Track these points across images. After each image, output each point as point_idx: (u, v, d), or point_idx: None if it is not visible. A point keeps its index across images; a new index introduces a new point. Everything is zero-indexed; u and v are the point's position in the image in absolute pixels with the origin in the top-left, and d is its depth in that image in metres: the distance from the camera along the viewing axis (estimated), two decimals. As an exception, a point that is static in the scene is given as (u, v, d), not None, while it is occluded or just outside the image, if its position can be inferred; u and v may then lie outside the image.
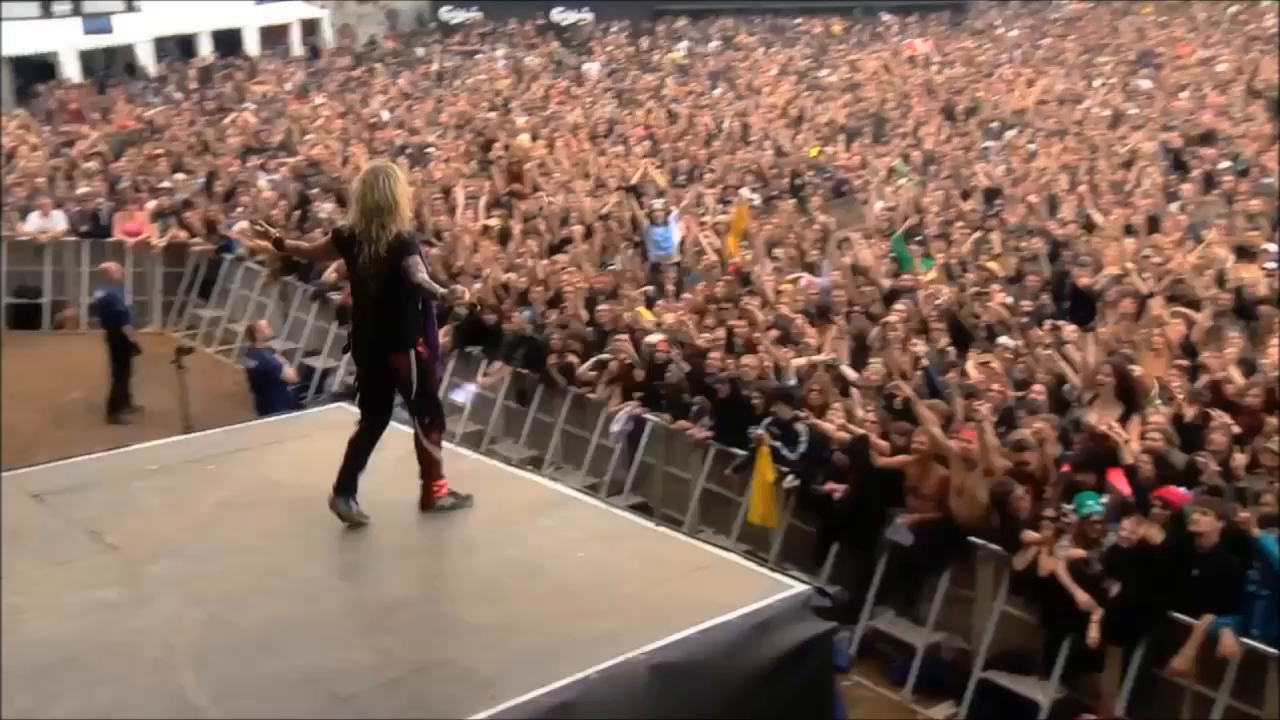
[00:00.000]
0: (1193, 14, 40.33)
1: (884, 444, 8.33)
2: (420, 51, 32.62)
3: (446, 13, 39.58)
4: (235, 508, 5.52)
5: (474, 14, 39.32)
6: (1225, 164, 17.73)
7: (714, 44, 35.46)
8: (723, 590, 4.93)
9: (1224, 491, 7.25)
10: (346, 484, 5.35)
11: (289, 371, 11.01)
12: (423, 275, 5.15)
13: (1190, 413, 8.52)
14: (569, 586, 4.94)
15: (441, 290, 5.39)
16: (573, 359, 10.44)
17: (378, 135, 19.37)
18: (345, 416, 6.95)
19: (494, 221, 13.71)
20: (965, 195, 15.85)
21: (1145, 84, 25.41)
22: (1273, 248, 13.42)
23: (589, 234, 13.01)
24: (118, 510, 5.52)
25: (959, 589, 8.06)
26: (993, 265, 12.50)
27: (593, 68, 28.99)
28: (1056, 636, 7.42)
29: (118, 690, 4.07)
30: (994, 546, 7.79)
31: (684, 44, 35.32)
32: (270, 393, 10.65)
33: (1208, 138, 19.71)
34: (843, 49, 33.58)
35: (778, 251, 12.69)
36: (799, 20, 39.13)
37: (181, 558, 5.05)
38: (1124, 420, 8.04)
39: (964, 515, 7.90)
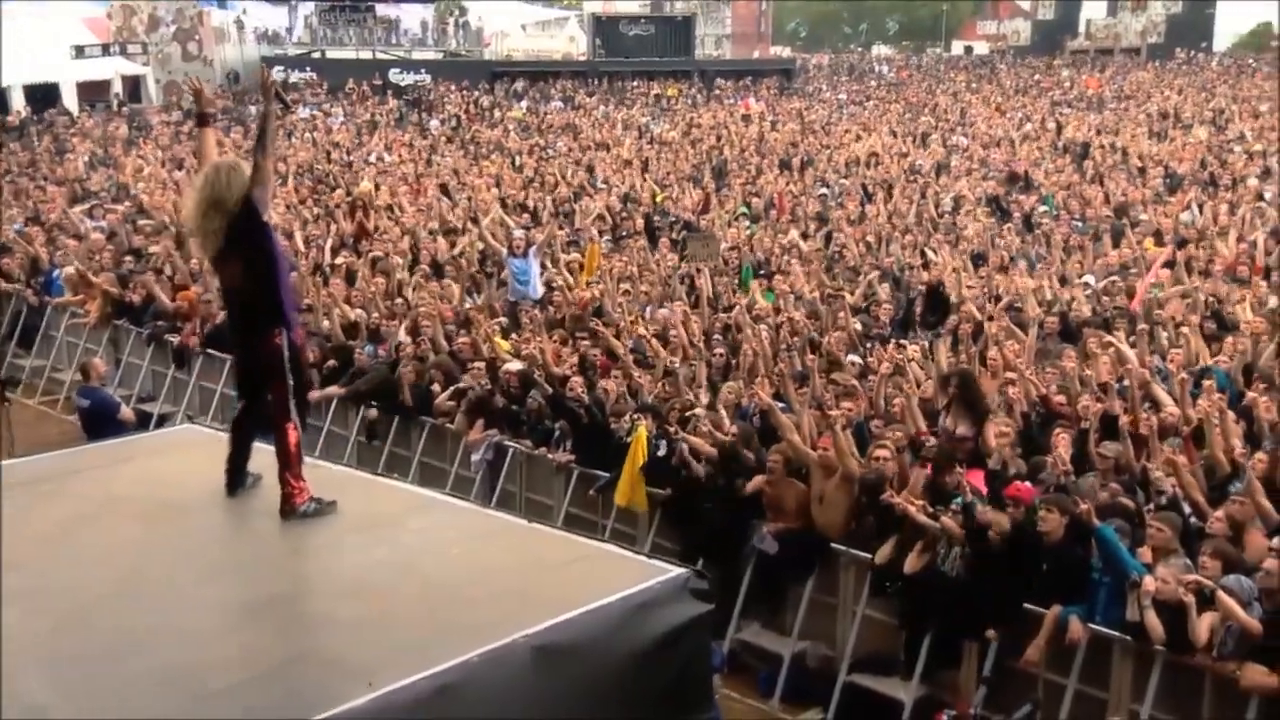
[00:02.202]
0: (1001, 80, 43.36)
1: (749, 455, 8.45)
2: (253, 109, 32.00)
3: (279, 73, 39.16)
4: (83, 522, 5.18)
5: (309, 75, 39.04)
6: (1042, 207, 19.04)
7: (555, 103, 36.05)
8: (601, 577, 4.90)
9: (1067, 490, 7.62)
10: (233, 473, 5.35)
11: (126, 411, 10.42)
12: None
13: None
14: (445, 581, 4.82)
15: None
16: (434, 389, 10.26)
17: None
18: (197, 436, 6.71)
19: (340, 262, 13.49)
20: (804, 236, 16.52)
21: (963, 140, 27.06)
22: (1090, 278, 14.45)
23: (441, 270, 12.93)
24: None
25: (822, 596, 8.19)
26: (845, 295, 13.01)
27: (435, 123, 29.06)
28: (916, 635, 7.62)
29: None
30: (856, 552, 7.97)
31: (524, 102, 35.80)
32: (106, 435, 10.06)
33: (1026, 185, 21.15)
34: (680, 108, 34.65)
35: (625, 285, 12.92)
36: (635, 83, 40.23)
37: (21, 572, 4.70)
38: (975, 425, 8.40)
39: (826, 523, 8.07)
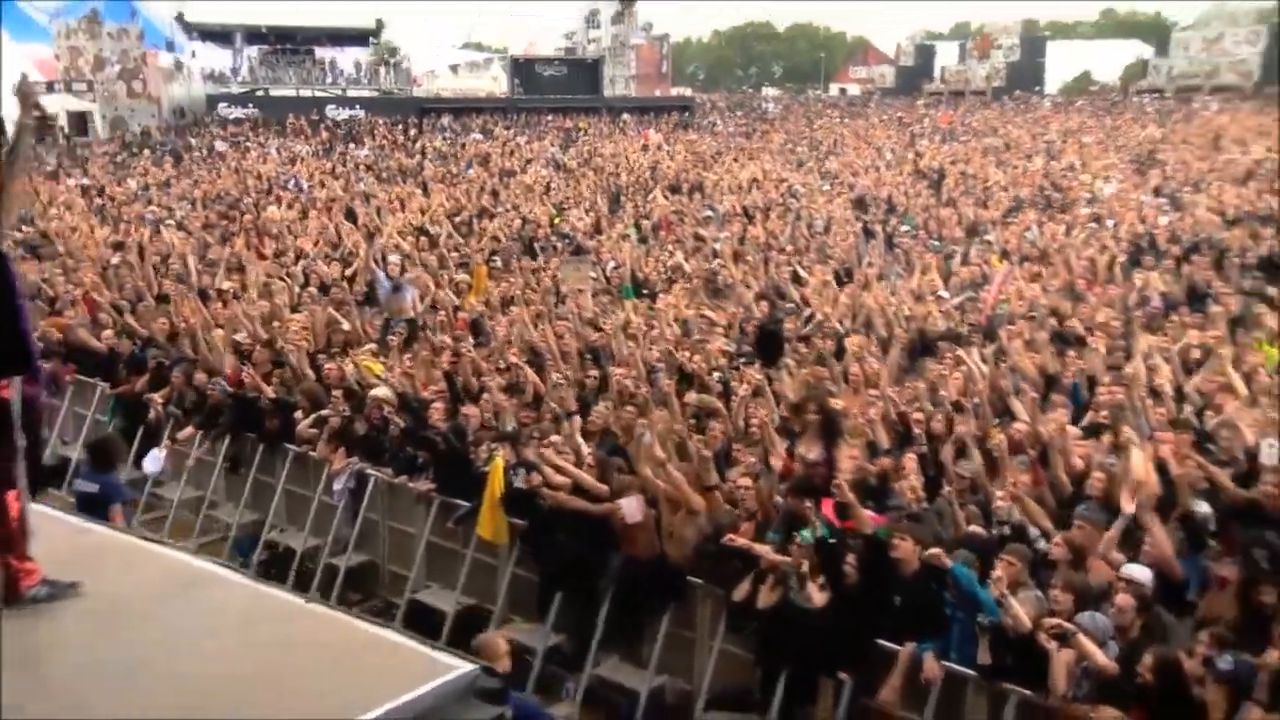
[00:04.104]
0: (869, 114, 42.82)
1: (603, 486, 7.10)
2: (194, 141, 29.91)
3: (224, 109, 37.05)
4: None
5: (250, 110, 37.04)
6: (904, 227, 18.07)
7: (474, 135, 34.47)
8: (376, 676, 3.54)
9: (921, 517, 6.44)
10: None
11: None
12: None
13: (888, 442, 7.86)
14: (184, 687, 3.40)
15: None
16: (298, 416, 8.73)
17: (123, 209, 16.96)
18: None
19: (228, 285, 11.82)
20: (687, 256, 15.25)
21: (834, 166, 26.12)
22: (945, 294, 13.43)
23: (326, 290, 11.35)
24: None
25: (680, 630, 6.90)
26: (711, 314, 11.79)
27: (360, 153, 27.28)
28: (772, 671, 6.36)
29: None
30: (711, 586, 6.68)
31: (446, 134, 34.15)
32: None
33: (890, 209, 20.18)
34: (588, 139, 33.34)
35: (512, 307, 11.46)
36: (550, 118, 38.97)
37: None
38: (828, 449, 7.15)
39: (675, 556, 6.77)
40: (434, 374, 8.93)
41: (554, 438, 7.52)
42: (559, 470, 7.10)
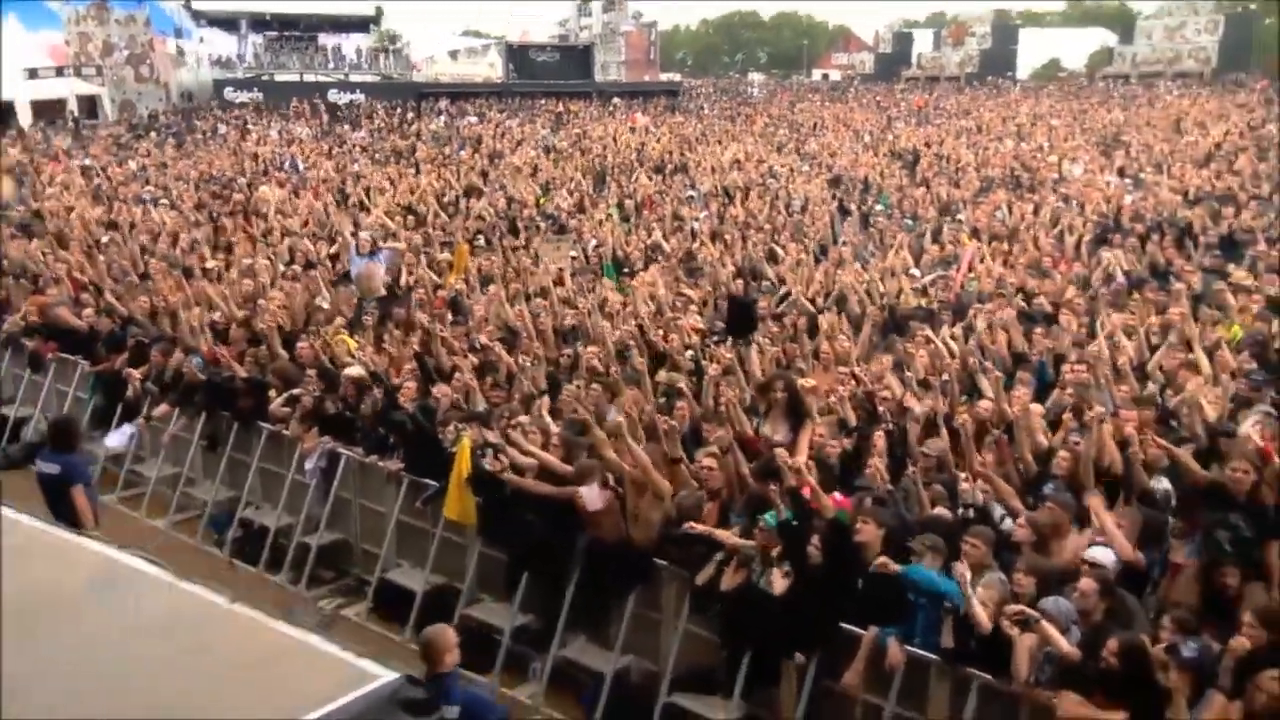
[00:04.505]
0: (848, 99, 42.13)
1: (567, 468, 6.64)
2: (199, 124, 29.16)
3: (231, 93, 36.22)
4: None
5: (255, 95, 36.25)
6: (879, 207, 17.54)
7: (470, 118, 33.75)
8: (292, 685, 3.09)
9: (886, 500, 6.01)
10: None
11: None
12: None
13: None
14: (96, 698, 2.95)
15: None
16: (271, 395, 8.24)
17: (120, 189, 16.34)
18: None
19: (212, 264, 11.26)
20: (668, 235, 14.72)
21: (813, 146, 25.52)
22: (916, 272, 12.96)
23: (310, 267, 10.81)
24: None
25: (646, 611, 6.47)
26: (689, 292, 11.31)
27: (356, 135, 26.57)
28: (736, 654, 5.95)
29: None
30: (677, 569, 6.25)
31: (442, 117, 33.41)
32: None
33: (865, 188, 19.63)
34: (578, 122, 32.65)
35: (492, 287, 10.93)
36: (543, 101, 38.26)
37: None
38: (794, 430, 6.69)
39: (640, 539, 6.33)
40: (406, 353, 8.44)
41: (521, 418, 7.06)
42: (525, 452, 6.64)
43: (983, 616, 5.08)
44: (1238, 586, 5.48)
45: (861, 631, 5.55)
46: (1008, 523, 6.16)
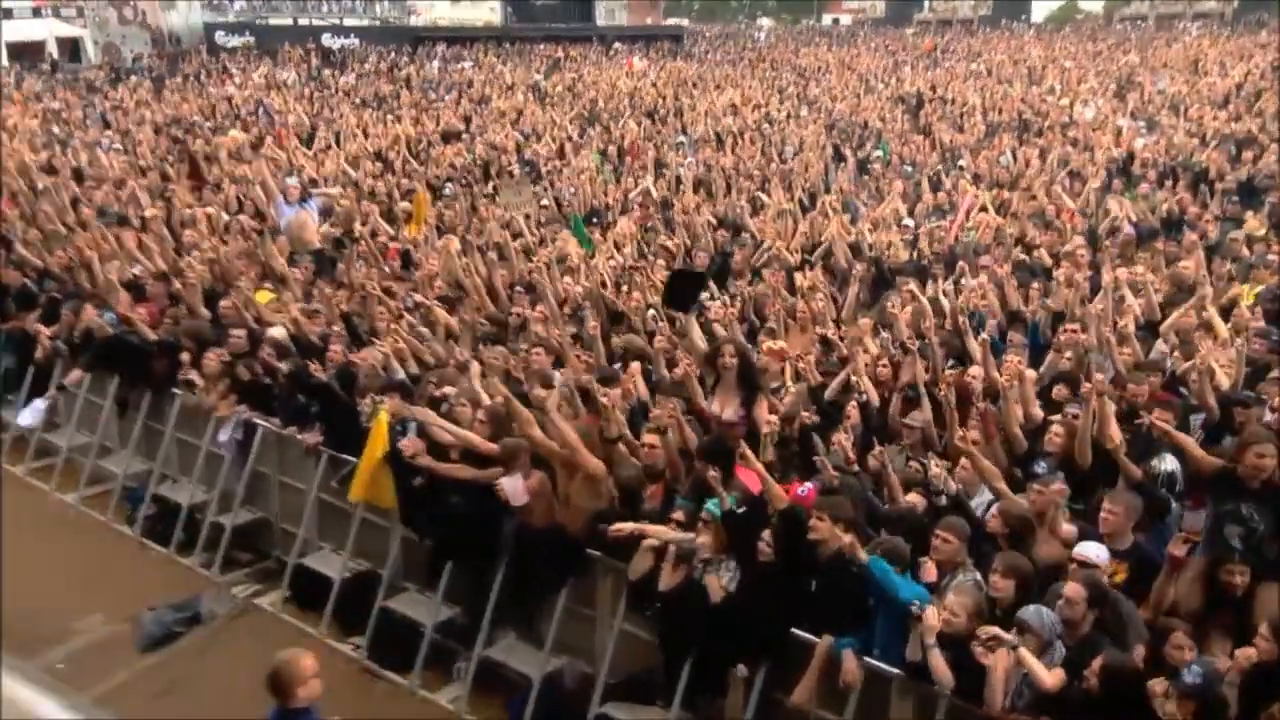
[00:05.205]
0: (856, 43, 40.48)
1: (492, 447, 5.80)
2: (185, 69, 27.97)
3: (221, 37, 34.89)
4: None
5: (247, 39, 34.90)
6: (876, 154, 16.45)
7: (465, 64, 32.39)
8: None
9: (843, 489, 5.15)
10: None
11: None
12: None
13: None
14: None
15: None
16: (183, 358, 7.39)
17: (78, 133, 15.42)
18: None
19: (151, 213, 10.34)
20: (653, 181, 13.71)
21: (815, 91, 24.26)
22: (910, 222, 12.00)
23: (260, 217, 9.91)
24: None
25: (579, 606, 5.69)
26: (669, 244, 10.39)
27: (342, 79, 25.39)
28: (676, 659, 5.18)
29: None
30: (612, 561, 5.45)
31: (436, 62, 32.08)
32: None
33: (864, 133, 18.48)
34: (573, 66, 31.30)
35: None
36: (543, 47, 36.80)
37: None
38: (747, 405, 5.81)
39: (572, 527, 5.52)
40: (335, 314, 7.58)
41: (448, 389, 6.21)
42: (445, 430, 5.81)
43: (946, 672, 4.28)
44: (1246, 586, 4.67)
45: (815, 639, 4.75)
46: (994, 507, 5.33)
